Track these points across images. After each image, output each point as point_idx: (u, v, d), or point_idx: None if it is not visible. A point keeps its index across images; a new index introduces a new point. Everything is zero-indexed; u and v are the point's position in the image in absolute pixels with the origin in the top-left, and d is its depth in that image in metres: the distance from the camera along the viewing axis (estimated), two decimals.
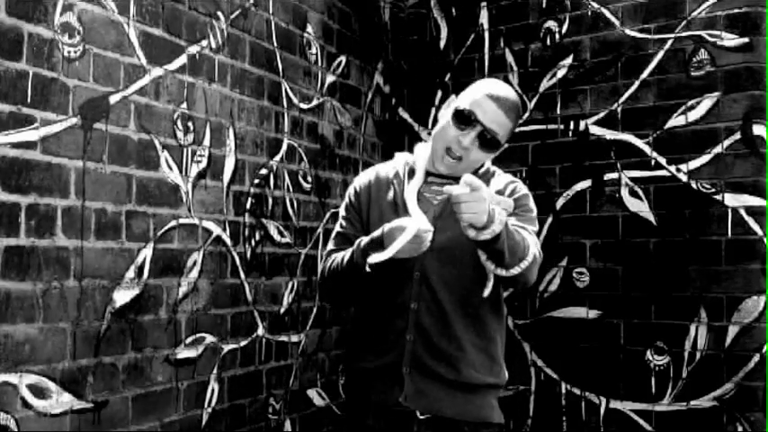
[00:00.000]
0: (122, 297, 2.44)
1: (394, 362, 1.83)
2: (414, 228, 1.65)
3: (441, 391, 1.81)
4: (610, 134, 3.46)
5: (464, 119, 1.79)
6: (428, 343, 1.81)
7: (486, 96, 1.80)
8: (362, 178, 2.00)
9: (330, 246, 1.97)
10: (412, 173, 1.92)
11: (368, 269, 1.73)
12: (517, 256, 1.67)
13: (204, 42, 2.82)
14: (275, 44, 3.21)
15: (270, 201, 3.16)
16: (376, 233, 1.76)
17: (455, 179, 1.79)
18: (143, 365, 2.52)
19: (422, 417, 1.81)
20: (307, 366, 3.37)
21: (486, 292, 1.83)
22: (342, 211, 2.00)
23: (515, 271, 1.68)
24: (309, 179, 3.42)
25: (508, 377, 1.92)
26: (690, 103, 3.27)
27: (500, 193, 1.84)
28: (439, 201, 1.86)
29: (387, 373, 1.84)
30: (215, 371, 2.84)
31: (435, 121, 1.89)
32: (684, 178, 3.27)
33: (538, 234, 1.88)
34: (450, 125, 1.82)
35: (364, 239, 1.79)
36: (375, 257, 1.66)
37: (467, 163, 1.83)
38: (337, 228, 1.99)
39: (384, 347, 1.85)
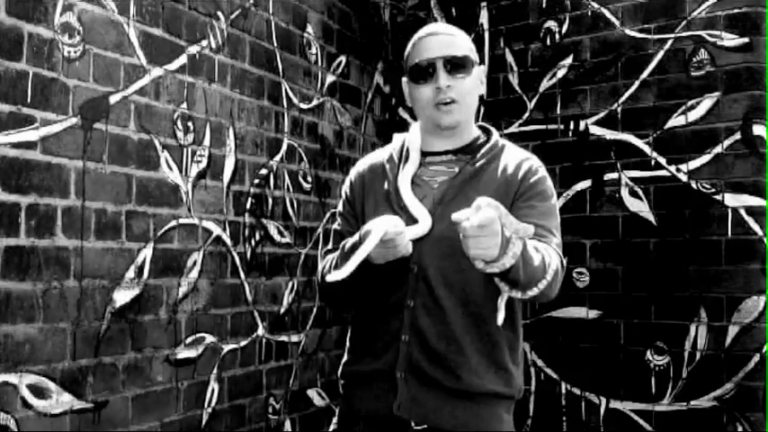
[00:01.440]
0: (122, 297, 2.44)
1: (388, 366, 1.64)
2: (378, 233, 1.46)
3: (439, 399, 1.60)
4: (610, 134, 3.46)
5: (422, 70, 1.67)
6: (425, 345, 1.61)
7: (421, 40, 1.70)
8: (356, 168, 1.83)
9: (328, 245, 1.82)
10: (408, 155, 1.74)
11: (346, 277, 1.52)
12: (535, 278, 1.47)
13: (204, 42, 2.82)
14: (275, 44, 3.21)
15: (270, 201, 3.16)
16: (355, 237, 1.59)
17: (455, 153, 1.70)
18: (143, 365, 2.52)
19: (417, 428, 1.61)
20: (307, 366, 3.37)
21: (500, 320, 1.59)
22: (339, 207, 1.84)
23: (532, 293, 1.49)
24: (309, 179, 3.42)
25: (523, 386, 1.71)
26: (690, 103, 3.27)
27: (512, 175, 1.66)
28: (439, 183, 1.69)
29: (380, 378, 1.65)
30: (215, 371, 2.84)
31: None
32: (684, 178, 3.27)
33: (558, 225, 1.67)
34: (417, 87, 1.69)
35: (349, 242, 1.62)
36: (333, 275, 1.47)
37: (463, 100, 1.67)
38: (335, 225, 1.83)
39: (378, 350, 1.67)
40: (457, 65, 1.66)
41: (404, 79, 1.77)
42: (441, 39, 1.67)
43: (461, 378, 1.60)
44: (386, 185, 1.73)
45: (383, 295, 1.67)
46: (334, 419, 3.53)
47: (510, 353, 1.65)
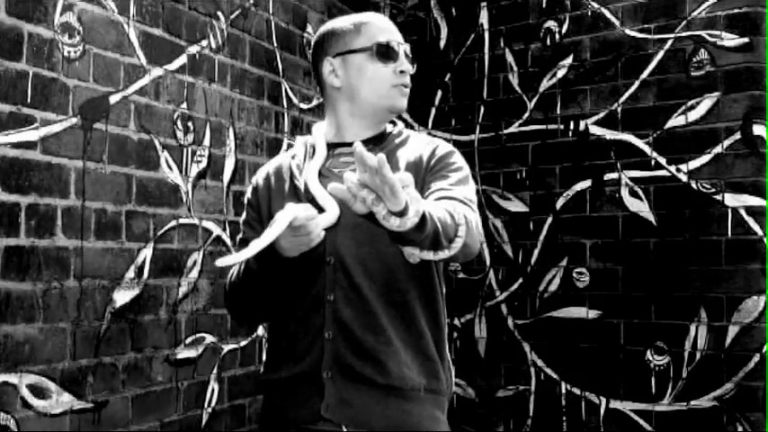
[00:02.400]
0: (122, 297, 2.44)
1: (312, 367, 1.52)
2: (287, 217, 1.35)
3: (369, 398, 1.50)
4: (610, 134, 3.46)
5: (390, 49, 1.64)
6: (350, 339, 1.51)
7: (376, 19, 1.68)
8: (259, 174, 1.74)
9: None
10: (314, 152, 1.67)
11: (256, 268, 1.47)
12: (447, 237, 1.34)
13: (204, 42, 2.82)
14: (275, 44, 3.21)
15: None
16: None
17: (364, 143, 1.52)
18: (143, 365, 2.52)
19: (346, 430, 1.50)
20: None
21: (414, 259, 1.38)
22: (242, 216, 1.73)
23: (445, 254, 1.36)
24: None
25: (452, 384, 1.62)
26: (690, 103, 3.27)
27: (420, 156, 1.61)
28: (349, 172, 1.54)
29: (304, 381, 1.53)
30: (215, 371, 2.84)
31: (323, 89, 1.70)
32: (684, 178, 3.27)
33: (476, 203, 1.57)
34: (378, 66, 1.63)
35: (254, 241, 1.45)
36: (224, 260, 1.31)
37: (409, 90, 1.68)
38: (240, 235, 1.72)
39: (300, 351, 1.55)
40: (410, 55, 1.69)
41: (332, 60, 1.67)
42: (393, 25, 1.69)
43: (391, 372, 1.50)
44: (292, 181, 1.64)
45: (300, 292, 1.56)
46: None
47: (436, 345, 1.57)
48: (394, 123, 1.76)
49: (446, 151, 1.63)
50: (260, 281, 1.53)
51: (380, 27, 1.67)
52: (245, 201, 1.74)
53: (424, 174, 1.59)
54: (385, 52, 1.64)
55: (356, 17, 1.70)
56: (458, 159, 1.63)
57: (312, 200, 1.54)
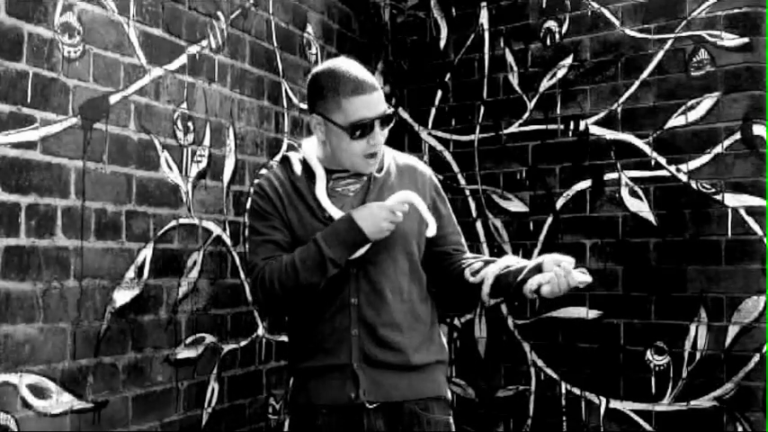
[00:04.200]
0: (122, 297, 2.44)
1: (343, 359, 1.87)
2: (414, 199, 1.85)
3: (394, 377, 1.87)
4: (610, 134, 3.46)
5: (362, 128, 1.83)
6: (373, 335, 1.87)
7: (356, 95, 1.82)
8: (266, 185, 1.97)
9: (260, 255, 1.90)
10: (309, 172, 1.94)
11: (340, 264, 1.82)
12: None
13: (204, 42, 2.82)
14: (275, 44, 3.21)
15: None
16: (338, 228, 1.82)
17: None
18: (143, 365, 2.52)
19: (370, 406, 1.86)
20: None
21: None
22: (257, 221, 1.95)
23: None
24: None
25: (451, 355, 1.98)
26: (690, 103, 3.27)
27: (421, 184, 2.00)
28: (354, 192, 1.93)
29: (335, 370, 1.88)
30: (215, 371, 2.84)
31: (326, 122, 1.90)
32: (684, 178, 3.27)
33: None
34: (349, 140, 1.84)
35: (320, 238, 1.82)
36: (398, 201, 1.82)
37: (382, 150, 1.92)
38: (259, 237, 1.93)
39: (331, 346, 1.88)
40: (388, 120, 1.87)
41: (317, 117, 1.89)
42: (374, 96, 1.83)
43: (409, 356, 1.89)
44: (304, 201, 1.92)
45: (327, 297, 1.88)
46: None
47: (437, 330, 2.02)
48: None
49: (435, 182, 2.07)
50: (308, 287, 1.84)
51: (360, 104, 1.81)
52: (258, 209, 1.95)
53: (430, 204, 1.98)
54: (360, 132, 1.83)
55: (340, 82, 1.83)
56: (440, 188, 2.09)
57: (329, 218, 1.87)
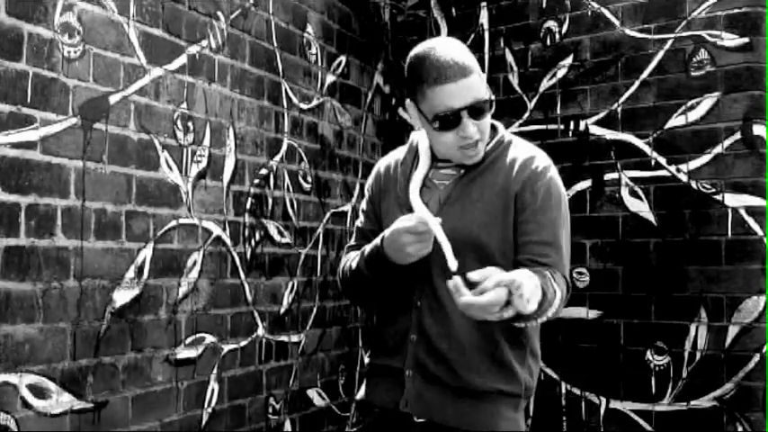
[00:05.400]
0: (122, 297, 2.44)
1: (398, 363, 1.72)
2: (435, 224, 1.54)
3: (442, 396, 1.66)
4: (610, 134, 3.46)
5: (450, 120, 1.62)
6: (429, 345, 1.68)
7: (439, 84, 1.61)
8: (377, 167, 1.88)
9: (351, 241, 1.89)
10: (418, 158, 1.78)
11: (366, 273, 1.69)
12: (541, 313, 1.53)
13: (204, 42, 2.82)
14: (275, 44, 3.21)
15: (270, 201, 3.16)
16: (374, 245, 1.67)
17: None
18: (143, 365, 2.52)
19: (418, 420, 1.68)
20: (307, 366, 3.37)
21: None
22: (363, 205, 1.90)
23: (536, 322, 1.58)
24: (309, 179, 3.42)
25: (535, 383, 1.73)
26: (690, 103, 3.27)
27: (515, 179, 1.67)
28: (446, 185, 1.72)
29: (391, 373, 1.73)
30: (215, 371, 2.84)
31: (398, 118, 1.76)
32: (684, 178, 3.27)
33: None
34: (441, 133, 1.65)
35: (367, 249, 1.70)
36: (420, 214, 1.58)
37: (485, 135, 1.67)
38: (357, 223, 1.90)
39: (391, 348, 1.75)
40: (480, 110, 1.63)
41: (410, 103, 1.71)
42: (461, 84, 1.60)
43: (461, 376, 1.64)
44: (396, 188, 1.78)
45: (396, 296, 1.73)
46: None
47: (513, 351, 1.67)
48: (494, 128, 1.76)
49: (542, 182, 1.68)
50: (367, 282, 1.73)
51: (441, 92, 1.61)
52: (366, 192, 1.89)
53: (515, 203, 1.66)
54: (444, 124, 1.63)
55: (427, 67, 1.63)
56: (554, 191, 1.69)
57: (411, 210, 1.66)
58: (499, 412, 1.66)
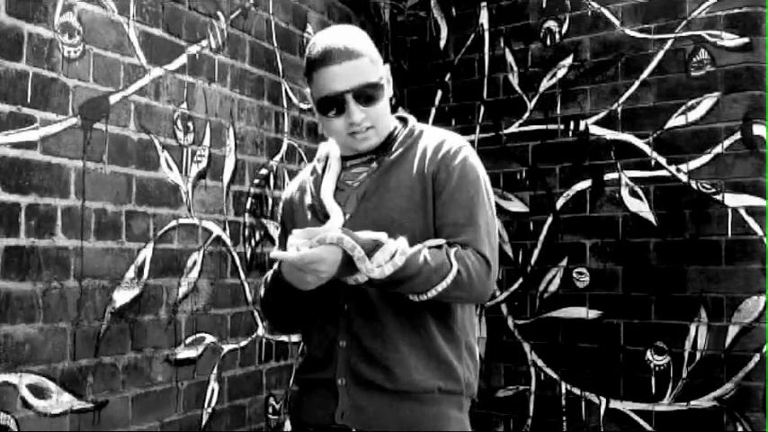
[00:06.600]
0: (122, 297, 2.44)
1: (329, 374, 1.57)
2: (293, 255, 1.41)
3: (381, 403, 1.53)
4: (610, 134, 3.46)
5: (332, 104, 1.54)
6: (361, 347, 1.55)
7: (323, 66, 1.52)
8: (286, 191, 1.80)
9: (269, 272, 1.72)
10: (328, 165, 1.70)
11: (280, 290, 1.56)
12: (429, 283, 1.45)
13: (204, 42, 2.82)
14: (275, 44, 3.21)
15: (270, 201, 3.16)
16: (275, 272, 1.60)
17: (374, 151, 1.63)
18: (143, 365, 2.52)
19: None
20: None
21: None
22: (277, 234, 1.82)
23: (428, 296, 1.47)
24: None
25: (476, 382, 1.65)
26: (690, 103, 3.27)
27: (429, 162, 1.58)
28: (360, 182, 1.63)
29: (322, 386, 1.59)
30: (215, 371, 2.84)
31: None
32: (684, 178, 3.27)
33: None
34: (328, 119, 1.57)
35: (269, 277, 1.64)
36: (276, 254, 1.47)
37: (378, 122, 1.58)
38: (274, 249, 1.79)
39: (320, 358, 1.60)
40: (370, 96, 1.55)
41: (309, 93, 1.64)
42: (345, 67, 1.52)
43: (399, 377, 1.52)
44: (308, 198, 1.69)
45: (321, 300, 1.58)
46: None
47: (448, 345, 1.58)
48: (405, 121, 1.71)
49: (456, 163, 1.58)
50: (285, 299, 1.60)
51: (324, 75, 1.53)
52: (278, 218, 1.83)
53: (433, 186, 1.57)
54: (329, 107, 1.56)
55: (315, 51, 1.56)
56: (469, 170, 1.59)
57: (327, 215, 1.58)
58: (443, 413, 1.56)
